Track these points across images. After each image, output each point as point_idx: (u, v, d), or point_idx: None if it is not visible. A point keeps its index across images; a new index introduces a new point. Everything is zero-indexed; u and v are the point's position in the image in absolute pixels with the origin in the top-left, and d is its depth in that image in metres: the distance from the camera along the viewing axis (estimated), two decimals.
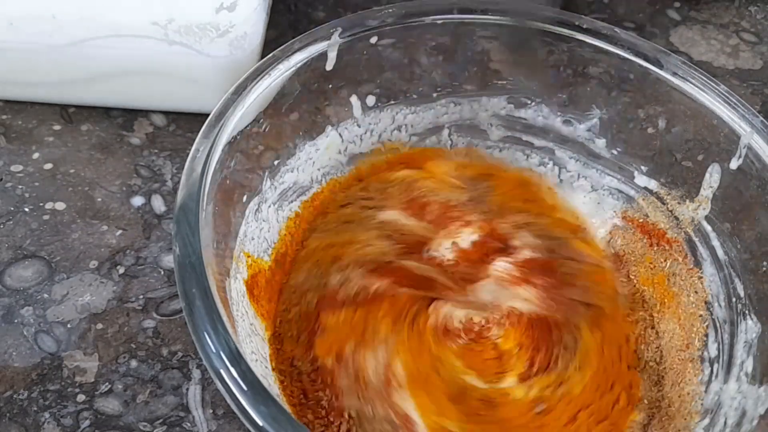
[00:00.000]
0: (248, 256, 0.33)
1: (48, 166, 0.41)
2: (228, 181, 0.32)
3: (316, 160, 0.37)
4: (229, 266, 0.32)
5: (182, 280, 0.27)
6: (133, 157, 0.42)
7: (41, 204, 0.40)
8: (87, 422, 0.34)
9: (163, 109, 0.43)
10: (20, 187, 0.40)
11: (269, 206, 0.35)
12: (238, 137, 0.32)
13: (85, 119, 0.43)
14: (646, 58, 0.36)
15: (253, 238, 0.34)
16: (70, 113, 0.43)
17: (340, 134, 0.37)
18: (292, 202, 0.36)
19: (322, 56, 0.35)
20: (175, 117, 0.43)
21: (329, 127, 0.37)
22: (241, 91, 0.32)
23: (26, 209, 0.39)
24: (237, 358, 0.26)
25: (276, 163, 0.35)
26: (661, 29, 0.51)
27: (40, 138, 0.42)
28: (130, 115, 0.43)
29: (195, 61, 0.39)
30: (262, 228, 0.35)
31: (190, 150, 0.31)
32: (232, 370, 0.26)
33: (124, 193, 0.40)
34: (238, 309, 0.31)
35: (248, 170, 0.33)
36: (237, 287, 0.32)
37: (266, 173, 0.34)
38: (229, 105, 0.32)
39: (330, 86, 0.36)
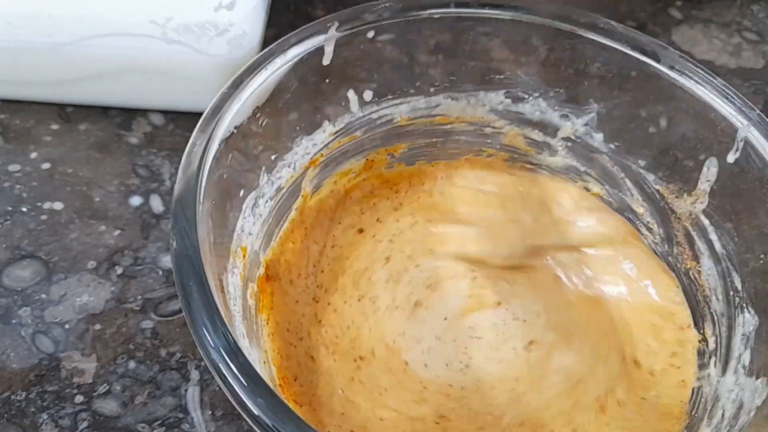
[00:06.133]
0: (245, 251, 0.33)
1: (46, 165, 0.41)
2: (225, 176, 0.31)
3: (313, 155, 0.36)
4: (226, 261, 0.31)
5: (180, 274, 0.27)
6: (131, 156, 0.42)
7: (39, 204, 0.39)
8: (85, 423, 0.33)
9: (161, 108, 0.43)
10: (18, 186, 0.40)
11: (266, 201, 0.34)
12: (235, 132, 0.32)
13: (83, 119, 0.43)
14: (644, 52, 0.36)
15: (250, 233, 0.34)
16: (68, 113, 0.43)
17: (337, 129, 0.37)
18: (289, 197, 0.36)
19: (319, 51, 0.34)
20: (174, 116, 0.43)
21: (326, 122, 0.36)
22: (237, 85, 0.32)
23: (24, 209, 0.39)
24: (235, 351, 0.26)
25: (273, 158, 0.35)
26: (662, 28, 0.51)
27: (38, 137, 0.42)
28: (129, 115, 0.43)
29: (194, 59, 0.39)
30: (257, 222, 0.34)
31: None
32: (231, 364, 0.26)
33: (123, 193, 0.40)
34: (235, 304, 0.31)
35: (245, 165, 0.33)
36: (234, 282, 0.32)
37: (263, 168, 0.34)
38: (225, 99, 0.32)
39: (327, 81, 0.35)
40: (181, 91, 0.41)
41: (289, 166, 0.35)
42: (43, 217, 0.39)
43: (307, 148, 0.36)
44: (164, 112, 0.43)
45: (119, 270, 0.38)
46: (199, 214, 0.28)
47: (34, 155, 0.41)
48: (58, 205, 0.40)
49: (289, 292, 0.35)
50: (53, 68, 0.40)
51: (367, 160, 0.38)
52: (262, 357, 0.32)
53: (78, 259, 0.38)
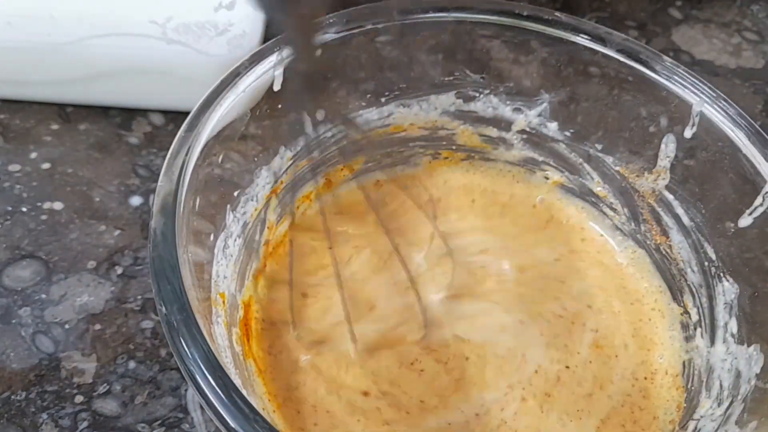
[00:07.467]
0: (224, 297, 0.32)
1: (46, 165, 0.41)
2: (195, 223, 0.30)
3: (273, 183, 0.36)
4: (210, 312, 0.30)
5: (174, 341, 0.26)
6: (131, 156, 0.42)
7: (39, 204, 0.39)
8: (85, 423, 0.33)
9: (161, 108, 0.43)
10: (18, 186, 0.40)
11: (235, 240, 0.34)
12: (199, 174, 0.31)
13: (83, 119, 0.43)
14: (590, 38, 0.36)
15: (225, 277, 0.33)
16: (68, 113, 0.43)
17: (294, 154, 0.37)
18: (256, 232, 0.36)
19: (269, 77, 0.34)
20: (174, 116, 0.43)
21: (282, 148, 0.36)
22: (194, 127, 0.31)
23: (24, 209, 0.39)
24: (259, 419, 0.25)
25: (236, 194, 0.34)
26: (662, 28, 0.51)
27: (38, 137, 0.42)
28: (129, 115, 0.43)
29: (193, 59, 0.39)
30: (229, 264, 0.33)
31: None
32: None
33: (123, 193, 0.40)
34: (227, 356, 0.30)
35: (212, 206, 0.32)
36: (220, 332, 0.30)
37: (228, 206, 0.33)
38: (183, 144, 0.31)
39: (279, 106, 0.35)
40: (181, 91, 0.41)
41: (252, 200, 0.35)
42: (43, 217, 0.39)
43: (267, 178, 0.35)
44: (164, 112, 0.43)
45: (119, 270, 0.38)
46: (185, 277, 0.27)
47: (34, 155, 0.41)
48: (58, 205, 0.40)
49: (266, 333, 0.34)
50: (53, 68, 0.40)
51: (327, 179, 0.38)
52: (260, 404, 0.31)
53: (78, 259, 0.38)
